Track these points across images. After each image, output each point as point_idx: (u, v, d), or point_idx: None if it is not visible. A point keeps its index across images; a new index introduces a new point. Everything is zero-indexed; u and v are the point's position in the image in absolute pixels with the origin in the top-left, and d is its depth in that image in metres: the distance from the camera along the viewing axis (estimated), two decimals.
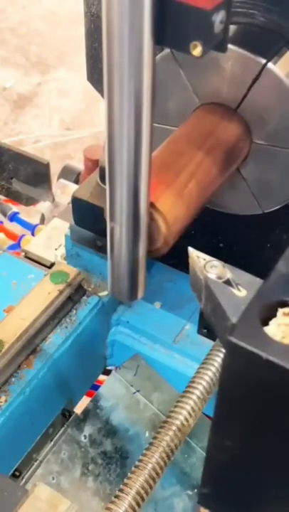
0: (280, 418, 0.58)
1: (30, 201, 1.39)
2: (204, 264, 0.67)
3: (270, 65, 0.75)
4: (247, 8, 0.79)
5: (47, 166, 1.31)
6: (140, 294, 0.83)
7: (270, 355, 0.53)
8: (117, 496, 0.79)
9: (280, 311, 0.56)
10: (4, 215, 1.45)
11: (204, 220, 0.82)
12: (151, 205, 0.73)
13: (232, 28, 0.71)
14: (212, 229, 0.94)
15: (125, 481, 0.81)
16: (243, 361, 0.55)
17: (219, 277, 0.65)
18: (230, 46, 0.68)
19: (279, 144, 0.81)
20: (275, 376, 0.54)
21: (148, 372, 1.07)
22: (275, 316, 0.56)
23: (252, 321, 0.55)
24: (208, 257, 0.68)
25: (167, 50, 0.78)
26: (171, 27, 0.62)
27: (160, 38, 0.63)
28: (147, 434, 1.03)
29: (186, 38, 0.61)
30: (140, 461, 0.84)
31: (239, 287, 0.64)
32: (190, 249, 0.69)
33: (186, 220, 0.77)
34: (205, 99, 0.82)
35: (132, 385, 1.06)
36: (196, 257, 0.68)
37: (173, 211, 0.75)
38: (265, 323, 0.56)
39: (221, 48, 0.63)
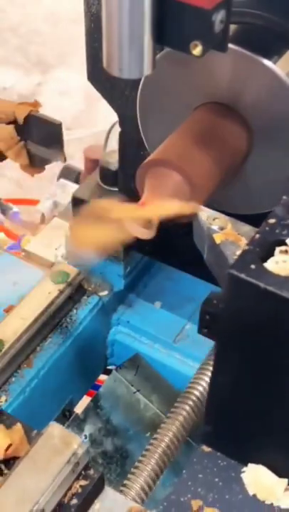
0: (278, 347, 0.61)
1: (43, 162, 1.38)
2: (207, 216, 0.73)
3: (270, 64, 0.75)
4: (247, 7, 0.79)
5: (59, 126, 1.31)
6: (147, 68, 0.64)
7: (268, 285, 0.57)
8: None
9: (278, 249, 0.60)
10: (4, 214, 1.45)
11: None
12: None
13: (232, 27, 0.71)
14: None
15: (125, 481, 0.82)
16: (242, 293, 0.59)
17: (221, 228, 0.72)
18: (230, 45, 0.68)
19: (279, 143, 0.81)
20: (272, 306, 0.58)
21: (148, 372, 1.07)
22: (272, 255, 0.61)
23: (251, 257, 0.60)
24: (211, 211, 0.74)
25: (167, 50, 0.78)
26: (171, 26, 0.62)
27: (160, 38, 0.63)
28: (148, 433, 1.03)
29: (186, 37, 0.61)
30: (140, 461, 0.84)
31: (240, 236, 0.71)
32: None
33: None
34: (205, 98, 0.82)
35: (132, 385, 1.06)
36: (201, 210, 0.75)
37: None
38: (264, 261, 0.60)
39: (221, 47, 0.63)
